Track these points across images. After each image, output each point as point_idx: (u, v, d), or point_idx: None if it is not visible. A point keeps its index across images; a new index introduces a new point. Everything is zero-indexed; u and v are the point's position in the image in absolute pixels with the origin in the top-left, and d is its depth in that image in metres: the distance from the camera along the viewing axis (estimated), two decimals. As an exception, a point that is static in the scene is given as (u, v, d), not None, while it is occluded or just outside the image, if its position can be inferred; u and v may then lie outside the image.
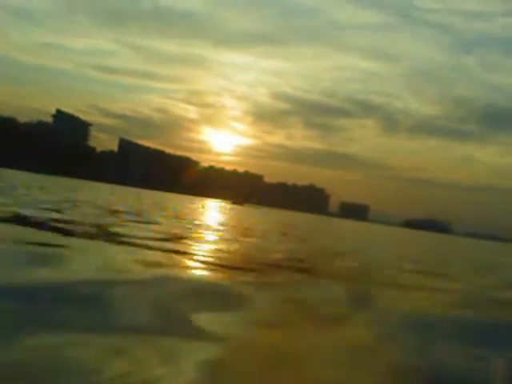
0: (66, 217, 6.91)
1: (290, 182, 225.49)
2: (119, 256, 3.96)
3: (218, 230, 9.47)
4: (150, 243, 5.13)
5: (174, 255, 4.52)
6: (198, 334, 2.07)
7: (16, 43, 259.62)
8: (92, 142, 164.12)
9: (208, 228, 9.67)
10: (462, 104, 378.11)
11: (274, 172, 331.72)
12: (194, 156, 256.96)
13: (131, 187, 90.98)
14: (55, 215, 6.90)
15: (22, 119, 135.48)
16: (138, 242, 5.09)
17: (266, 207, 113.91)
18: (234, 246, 6.50)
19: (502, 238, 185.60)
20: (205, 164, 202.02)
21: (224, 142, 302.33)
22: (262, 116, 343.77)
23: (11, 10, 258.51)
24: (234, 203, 76.23)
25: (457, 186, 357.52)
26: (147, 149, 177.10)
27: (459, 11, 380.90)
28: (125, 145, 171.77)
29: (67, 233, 5.10)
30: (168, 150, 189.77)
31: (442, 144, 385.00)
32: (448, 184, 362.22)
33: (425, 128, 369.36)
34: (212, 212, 23.91)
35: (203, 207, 29.30)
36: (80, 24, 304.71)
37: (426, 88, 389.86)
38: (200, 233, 7.89)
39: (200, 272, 3.84)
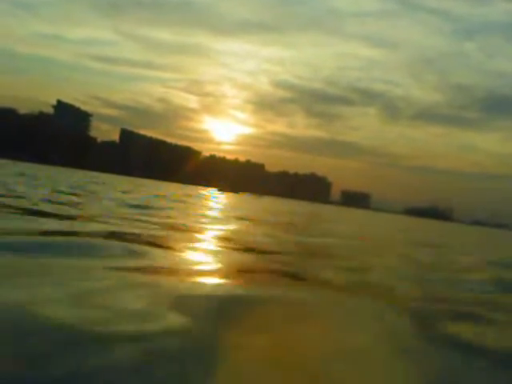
0: None
1: (291, 170, 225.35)
2: None
3: None
4: None
5: None
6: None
7: (14, 34, 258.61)
8: (93, 133, 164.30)
9: None
10: (463, 91, 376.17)
11: (275, 161, 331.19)
12: (195, 145, 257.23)
13: (133, 177, 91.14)
14: None
15: (23, 110, 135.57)
16: None
17: (264, 196, 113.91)
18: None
19: (506, 226, 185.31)
20: (206, 153, 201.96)
21: (225, 131, 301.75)
22: (263, 104, 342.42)
23: (9, 0, 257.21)
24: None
25: (458, 174, 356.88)
26: (149, 139, 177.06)
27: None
28: (126, 135, 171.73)
29: None
30: (169, 140, 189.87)
31: (443, 131, 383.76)
32: (449, 171, 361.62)
33: (426, 115, 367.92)
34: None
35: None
36: (78, 14, 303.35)
37: (427, 75, 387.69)
38: None
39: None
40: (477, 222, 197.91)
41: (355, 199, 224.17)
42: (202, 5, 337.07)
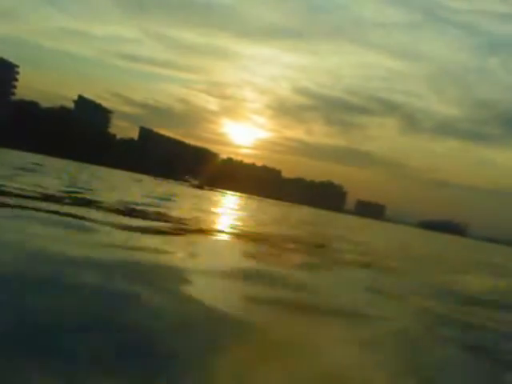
0: None
1: (307, 177, 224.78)
2: None
3: None
4: None
5: None
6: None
7: (38, 28, 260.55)
8: (113, 130, 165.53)
9: None
10: (484, 106, 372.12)
11: (292, 167, 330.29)
12: (213, 147, 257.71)
13: (149, 176, 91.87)
14: None
15: (44, 104, 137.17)
16: None
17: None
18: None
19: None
20: (223, 156, 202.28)
21: (243, 134, 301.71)
22: (283, 110, 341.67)
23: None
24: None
25: (476, 189, 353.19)
26: (167, 138, 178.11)
27: (485, 12, 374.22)
28: (145, 133, 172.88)
29: None
30: (187, 141, 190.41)
31: (462, 146, 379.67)
32: (467, 187, 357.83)
33: (446, 129, 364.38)
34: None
35: None
36: (103, 10, 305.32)
37: (449, 89, 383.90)
38: None
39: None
40: (492, 239, 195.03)
41: (370, 209, 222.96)
42: (227, 8, 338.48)
